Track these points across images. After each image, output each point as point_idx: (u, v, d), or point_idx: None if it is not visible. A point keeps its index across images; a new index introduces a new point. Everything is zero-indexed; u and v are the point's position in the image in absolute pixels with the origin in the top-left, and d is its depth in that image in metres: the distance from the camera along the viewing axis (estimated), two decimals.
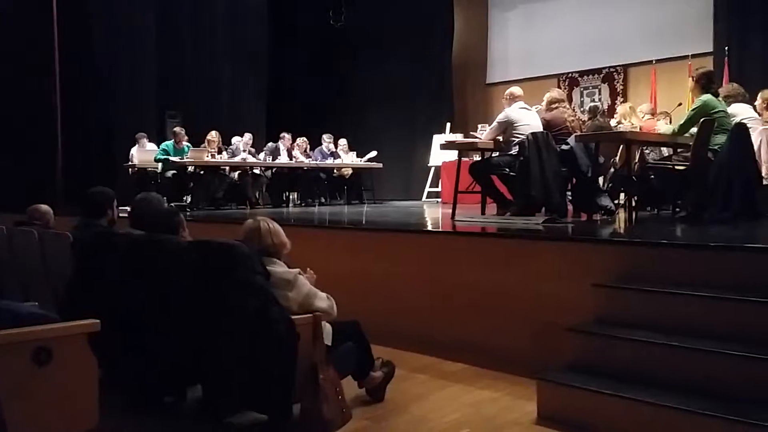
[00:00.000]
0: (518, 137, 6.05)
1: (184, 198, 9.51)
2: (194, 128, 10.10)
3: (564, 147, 5.98)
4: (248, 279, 2.94)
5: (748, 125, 5.58)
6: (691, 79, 5.70)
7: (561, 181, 5.92)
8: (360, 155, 11.57)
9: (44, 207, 5.01)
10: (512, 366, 3.97)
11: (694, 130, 5.45)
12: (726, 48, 9.46)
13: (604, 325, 3.55)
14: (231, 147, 10.24)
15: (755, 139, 5.71)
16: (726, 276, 3.42)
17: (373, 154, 11.46)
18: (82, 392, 2.53)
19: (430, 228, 6.14)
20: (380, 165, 11.63)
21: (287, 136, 10.85)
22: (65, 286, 3.66)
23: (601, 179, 6.85)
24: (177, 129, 9.79)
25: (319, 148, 11.24)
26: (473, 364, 4.20)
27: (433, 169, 12.22)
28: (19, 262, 4.51)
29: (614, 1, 11.37)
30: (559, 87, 11.53)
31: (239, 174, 10.19)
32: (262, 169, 10.50)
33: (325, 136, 11.33)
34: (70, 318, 2.57)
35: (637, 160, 6.32)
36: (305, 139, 11.21)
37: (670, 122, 6.95)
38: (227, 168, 10.00)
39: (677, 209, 6.14)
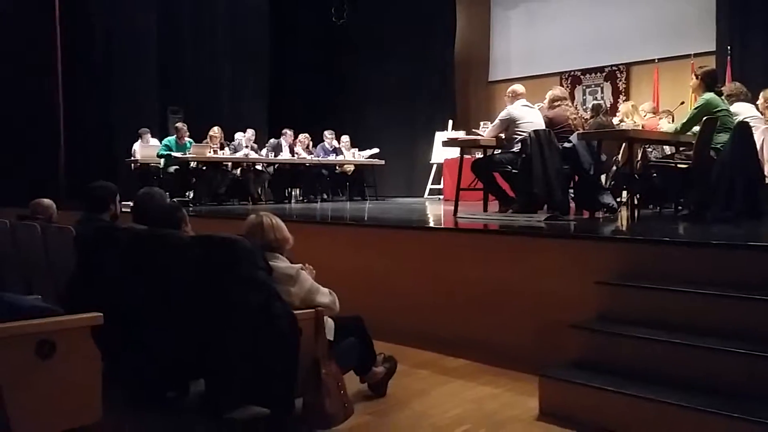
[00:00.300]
0: (520, 135, 6.05)
1: (187, 193, 9.50)
2: (196, 126, 10.10)
3: (566, 145, 5.99)
4: (251, 274, 2.94)
5: (751, 124, 5.57)
6: (694, 76, 5.69)
7: (563, 179, 5.93)
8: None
9: (47, 201, 5.00)
10: (514, 362, 3.97)
11: (696, 128, 5.44)
12: (729, 47, 9.45)
13: (607, 323, 3.55)
14: (233, 143, 10.24)
15: (758, 138, 5.69)
16: (729, 274, 3.41)
17: (375, 151, 11.44)
18: (85, 386, 2.53)
19: (432, 225, 6.14)
20: (382, 162, 11.63)
21: (289, 132, 10.84)
22: (67, 280, 3.66)
23: (603, 177, 6.86)
24: (179, 125, 9.80)
25: (322, 144, 11.23)
26: (475, 360, 4.21)
27: (435, 167, 12.22)
28: (22, 256, 4.51)
29: None
30: (561, 85, 11.55)
31: (242, 170, 10.20)
32: (265, 165, 10.50)
33: (327, 133, 11.31)
34: (73, 312, 2.57)
35: (639, 158, 6.31)
36: (308, 135, 11.21)
37: (673, 120, 6.93)
38: (230, 164, 10.01)
39: (679, 207, 6.14)
